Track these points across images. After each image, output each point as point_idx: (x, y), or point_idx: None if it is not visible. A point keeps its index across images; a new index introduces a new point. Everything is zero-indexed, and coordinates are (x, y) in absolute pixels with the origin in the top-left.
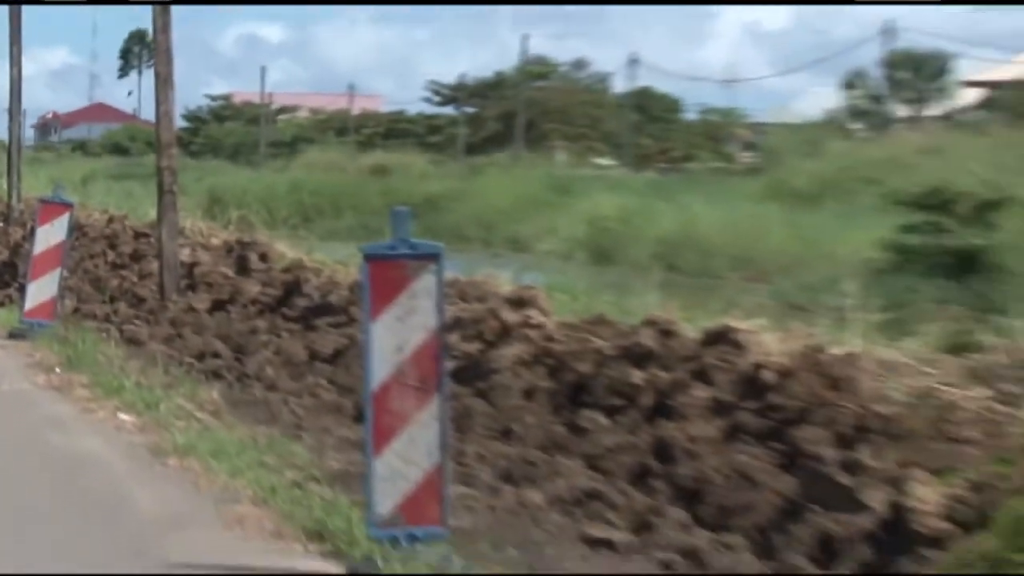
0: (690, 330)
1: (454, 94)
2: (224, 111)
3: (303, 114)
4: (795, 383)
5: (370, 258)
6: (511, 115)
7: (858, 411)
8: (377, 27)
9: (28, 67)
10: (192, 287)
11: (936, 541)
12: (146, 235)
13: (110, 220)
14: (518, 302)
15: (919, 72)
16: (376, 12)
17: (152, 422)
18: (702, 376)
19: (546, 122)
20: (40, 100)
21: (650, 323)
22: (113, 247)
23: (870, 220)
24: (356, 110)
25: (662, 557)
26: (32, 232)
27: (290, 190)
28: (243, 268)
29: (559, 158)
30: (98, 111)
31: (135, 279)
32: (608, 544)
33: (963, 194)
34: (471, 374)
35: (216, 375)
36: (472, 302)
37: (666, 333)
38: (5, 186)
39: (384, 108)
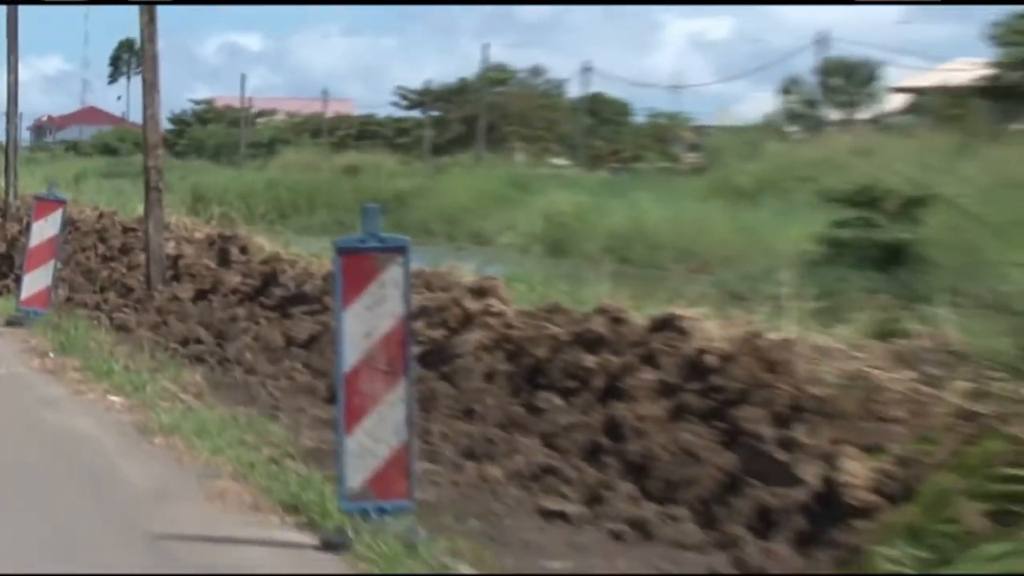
0: (638, 317)
1: (420, 99)
2: (207, 114)
3: (280, 117)
4: (735, 366)
5: (342, 251)
6: (473, 118)
7: (794, 392)
8: (348, 37)
9: (24, 73)
10: (177, 278)
11: (865, 512)
12: (134, 230)
13: (100, 216)
14: (479, 292)
15: (850, 79)
16: (347, 23)
17: (139, 403)
18: (649, 360)
19: (506, 125)
20: (36, 104)
21: (601, 311)
22: (103, 241)
23: (805, 216)
24: (329, 113)
25: (612, 528)
26: (28, 227)
27: (268, 188)
28: (224, 260)
29: (518, 158)
30: (89, 114)
31: (124, 270)
32: (562, 516)
33: (891, 192)
34: (436, 358)
35: (199, 359)
36: (437, 292)
37: (616, 320)
38: (3, 184)
39: (355, 112)
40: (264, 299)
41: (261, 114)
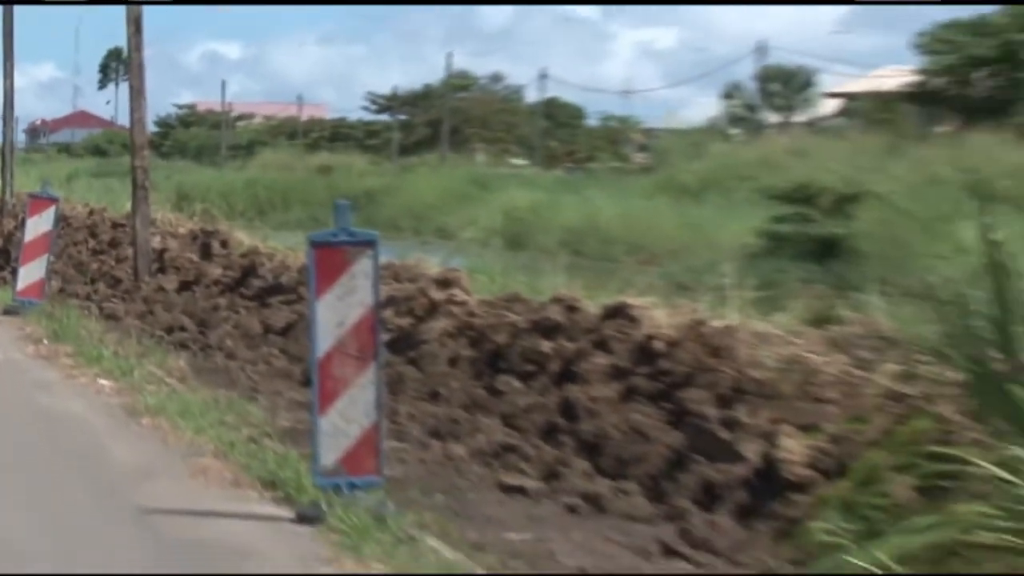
0: (591, 306)
1: (389, 103)
2: (190, 118)
3: (258, 121)
4: (681, 351)
5: (315, 244)
6: (438, 122)
7: (735, 375)
8: (321, 45)
9: (19, 79)
10: (162, 270)
11: (802, 487)
12: (122, 225)
13: (91, 212)
14: (444, 282)
15: (787, 85)
16: (321, 32)
17: (127, 386)
18: (602, 346)
19: (468, 128)
20: (30, 108)
21: (557, 300)
22: (94, 236)
23: (746, 212)
24: (304, 117)
25: (568, 502)
26: (23, 223)
27: (247, 186)
28: (206, 253)
29: (479, 159)
30: (81, 118)
31: (112, 263)
32: (521, 491)
33: (825, 189)
34: (403, 345)
35: (183, 346)
36: (404, 282)
37: (571, 309)
38: (0, 183)
39: (328, 115)
40: (243, 290)
41: (240, 118)
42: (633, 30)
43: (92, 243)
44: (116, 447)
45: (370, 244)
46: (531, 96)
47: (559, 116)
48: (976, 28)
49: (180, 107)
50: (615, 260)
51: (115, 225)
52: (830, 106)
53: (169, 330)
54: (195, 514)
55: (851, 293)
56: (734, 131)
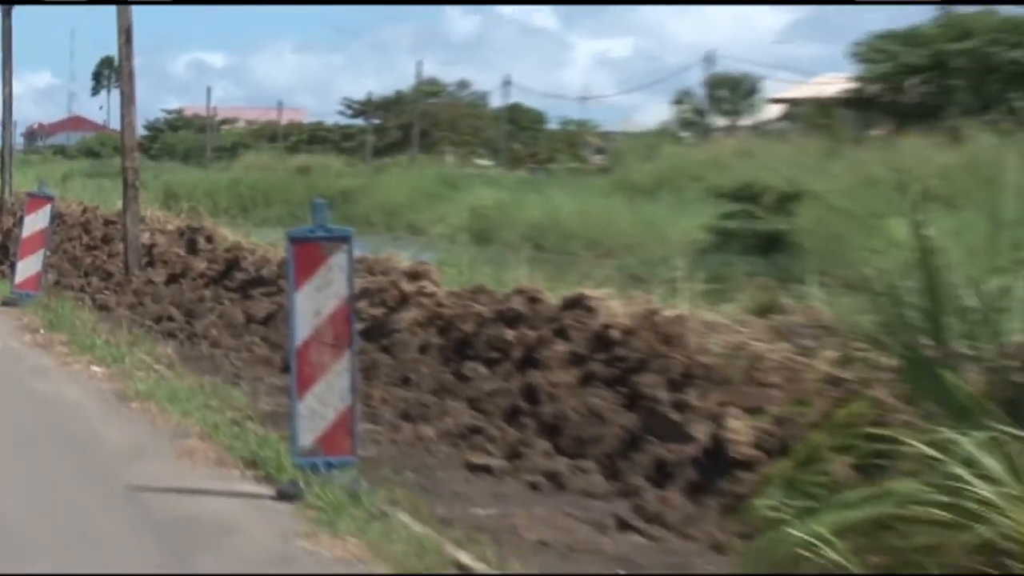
0: (552, 297)
1: (363, 108)
2: (177, 122)
3: (241, 125)
4: (636, 339)
5: (294, 240)
6: (409, 125)
7: (686, 361)
8: (299, 54)
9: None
10: (151, 264)
11: (747, 465)
12: (114, 222)
13: (84, 210)
14: (414, 275)
15: (734, 91)
16: (299, 42)
17: (118, 372)
18: (562, 334)
19: (437, 131)
20: (28, 113)
21: (520, 292)
22: (87, 232)
23: (696, 209)
24: (284, 121)
25: (530, 479)
26: (21, 220)
27: (230, 186)
28: (192, 248)
29: (447, 160)
30: (75, 122)
31: (105, 258)
32: (487, 469)
33: (768, 188)
34: (376, 333)
35: (170, 335)
36: (377, 275)
37: (533, 300)
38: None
39: (307, 120)
40: (227, 282)
41: (224, 122)
42: (590, 40)
43: (86, 239)
44: (108, 429)
45: (345, 240)
46: (496, 102)
47: (522, 120)
48: (908, 38)
49: (168, 112)
50: (574, 254)
51: (107, 222)
52: (773, 111)
53: (158, 320)
54: (182, 491)
55: (793, 285)
56: (684, 134)
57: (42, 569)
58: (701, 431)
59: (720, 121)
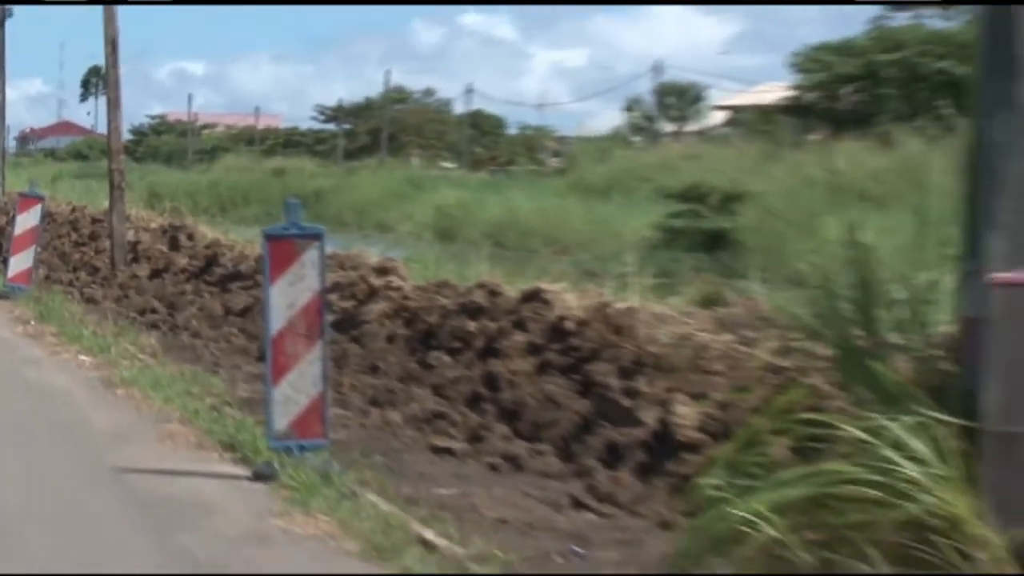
0: (511, 291)
1: (335, 114)
2: (160, 127)
3: (220, 129)
4: (589, 330)
5: (269, 237)
6: (378, 130)
7: (636, 351)
8: (276, 64)
9: (10, 93)
10: (136, 259)
11: (693, 448)
12: (101, 220)
13: (73, 209)
14: (382, 270)
15: (681, 98)
16: (275, 52)
17: (104, 361)
18: (520, 325)
19: (404, 135)
20: (20, 118)
21: (481, 286)
22: (75, 230)
23: (645, 209)
24: (261, 126)
25: (490, 461)
26: (13, 218)
27: (211, 187)
28: (174, 245)
29: (414, 162)
30: (64, 127)
31: (92, 254)
32: (449, 451)
33: (713, 189)
34: (346, 325)
35: (154, 326)
36: (348, 270)
37: (493, 293)
38: None
39: (282, 125)
40: (207, 277)
41: (205, 127)
42: (548, 51)
43: (74, 236)
44: (95, 414)
45: (317, 237)
46: (459, 108)
47: (483, 125)
48: (842, 49)
49: (152, 117)
50: (532, 251)
51: (94, 220)
52: (718, 117)
53: (142, 312)
54: (164, 473)
55: (736, 280)
56: (635, 139)
57: (37, 548)
58: (650, 416)
59: (668, 127)
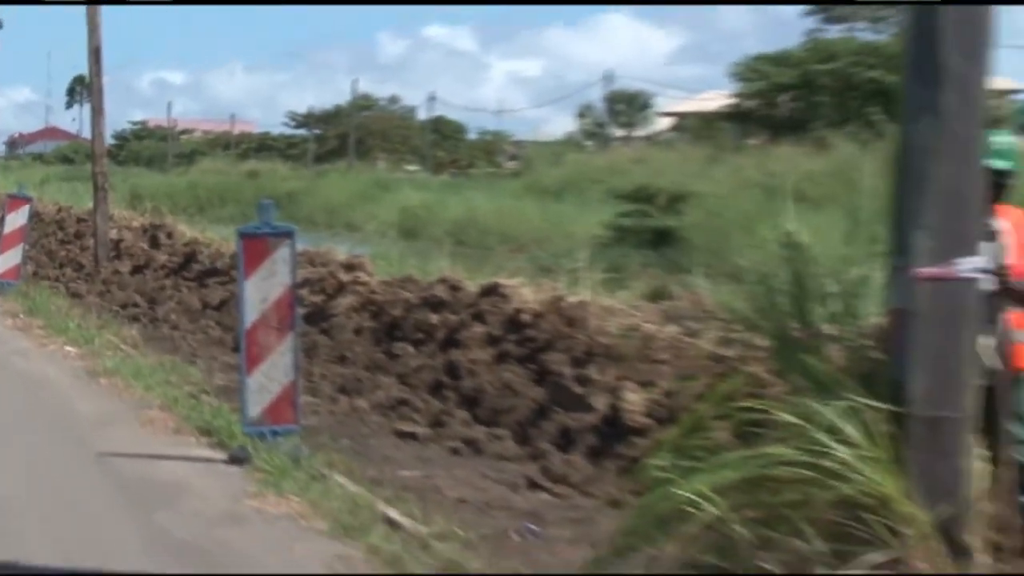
0: (471, 285)
1: (305, 120)
2: (141, 132)
3: (198, 135)
4: (544, 322)
5: (244, 235)
6: (346, 135)
7: (587, 341)
8: (249, 73)
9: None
10: (118, 256)
11: (641, 432)
12: (85, 220)
13: (59, 210)
14: (350, 266)
15: (630, 105)
16: (249, 62)
17: (89, 352)
18: (479, 317)
19: (371, 140)
20: (9, 124)
21: (443, 281)
22: (62, 229)
23: (597, 209)
24: (236, 132)
25: (451, 445)
26: (2, 218)
27: (189, 188)
28: (155, 243)
29: (380, 166)
30: (51, 132)
31: (77, 251)
32: (413, 436)
33: (660, 190)
34: (316, 317)
35: (135, 319)
36: (317, 266)
37: (454, 288)
38: None
39: (256, 130)
40: (186, 273)
41: (184, 132)
42: (505, 61)
43: (60, 235)
44: (80, 402)
45: (289, 235)
46: (422, 114)
47: (445, 131)
48: (780, 60)
49: (134, 123)
50: (490, 248)
51: (79, 220)
52: (664, 123)
53: (124, 306)
54: (144, 456)
55: (681, 275)
56: (587, 143)
57: (22, 525)
58: (601, 402)
59: (618, 132)
